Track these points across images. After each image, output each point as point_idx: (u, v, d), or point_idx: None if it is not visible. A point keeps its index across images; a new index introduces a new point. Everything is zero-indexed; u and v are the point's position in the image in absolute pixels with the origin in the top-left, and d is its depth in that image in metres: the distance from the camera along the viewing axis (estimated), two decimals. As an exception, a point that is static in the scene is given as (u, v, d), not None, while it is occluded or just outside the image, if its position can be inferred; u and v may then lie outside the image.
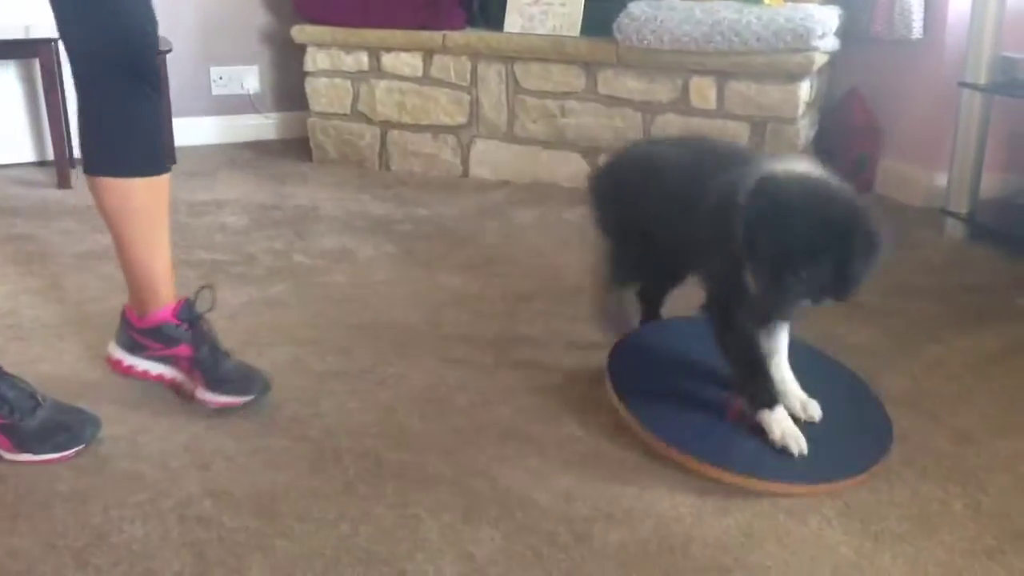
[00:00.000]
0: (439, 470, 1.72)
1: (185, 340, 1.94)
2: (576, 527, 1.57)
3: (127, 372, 1.97)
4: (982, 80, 2.75)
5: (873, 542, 1.55)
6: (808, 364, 1.90)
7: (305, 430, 1.84)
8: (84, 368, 2.07)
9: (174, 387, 1.96)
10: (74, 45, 1.77)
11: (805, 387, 1.84)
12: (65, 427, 1.74)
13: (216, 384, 1.91)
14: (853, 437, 1.80)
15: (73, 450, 1.72)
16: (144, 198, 1.86)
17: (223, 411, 1.88)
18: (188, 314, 1.95)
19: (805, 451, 1.71)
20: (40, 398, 1.77)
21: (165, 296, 1.93)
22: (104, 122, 1.81)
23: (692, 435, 1.77)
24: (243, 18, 3.87)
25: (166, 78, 3.53)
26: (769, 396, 1.74)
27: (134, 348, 1.97)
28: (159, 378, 1.97)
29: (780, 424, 1.73)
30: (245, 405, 1.90)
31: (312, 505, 1.61)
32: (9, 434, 1.72)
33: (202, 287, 1.96)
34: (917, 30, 3.04)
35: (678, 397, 1.89)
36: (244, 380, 1.93)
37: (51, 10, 1.75)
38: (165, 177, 1.89)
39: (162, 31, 3.61)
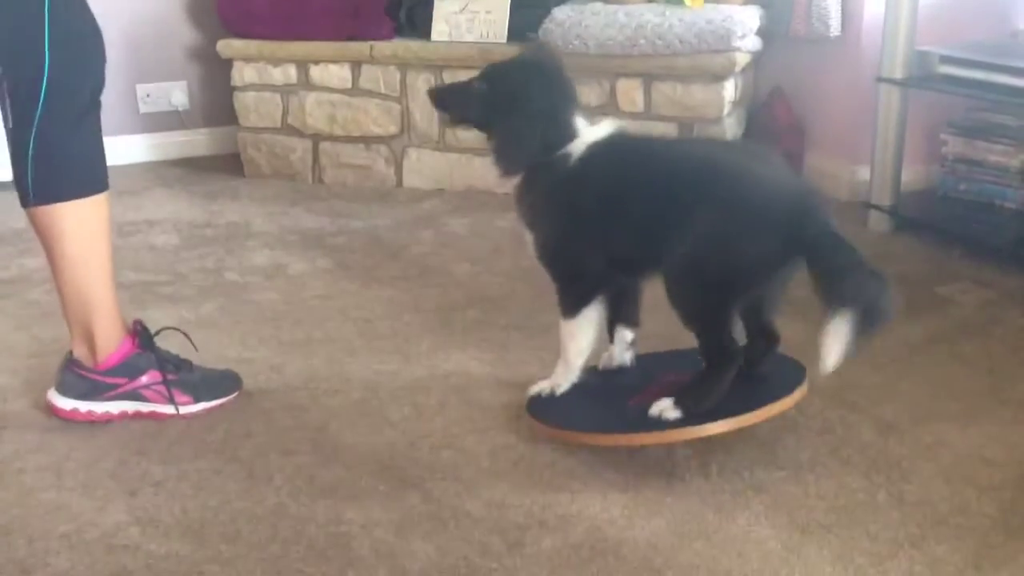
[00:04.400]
0: (372, 485, 1.72)
1: (152, 366, 1.93)
2: (509, 535, 1.58)
3: (87, 419, 1.91)
4: (898, 75, 2.81)
5: (800, 535, 1.58)
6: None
7: (236, 451, 1.82)
8: (6, 397, 2.02)
9: (142, 418, 1.93)
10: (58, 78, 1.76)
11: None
12: None
13: (197, 393, 1.95)
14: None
15: None
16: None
17: (153, 432, 1.86)
18: (147, 340, 1.94)
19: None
20: None
21: (121, 330, 1.91)
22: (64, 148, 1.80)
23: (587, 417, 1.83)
24: (168, 34, 3.81)
25: (90, 97, 3.48)
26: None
27: (93, 392, 1.91)
28: (122, 416, 1.92)
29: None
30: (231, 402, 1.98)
31: (243, 528, 1.60)
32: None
33: (135, 321, 1.98)
34: (835, 28, 3.10)
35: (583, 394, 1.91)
36: (220, 381, 1.99)
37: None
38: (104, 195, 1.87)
39: (84, 50, 3.59)
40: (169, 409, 1.93)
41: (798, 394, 1.81)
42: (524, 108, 1.77)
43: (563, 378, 1.90)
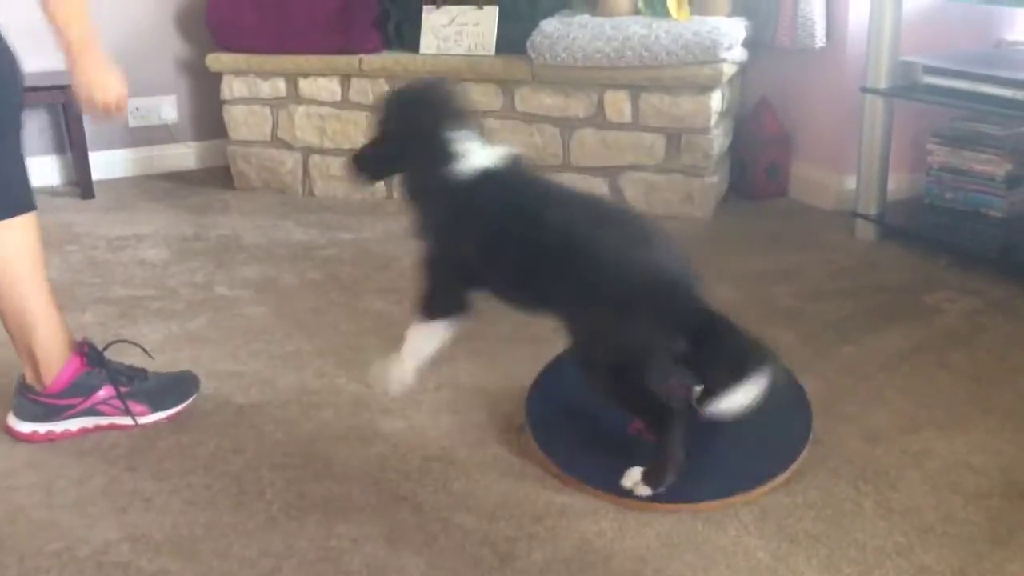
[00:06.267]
0: (363, 499, 1.73)
1: (104, 382, 1.92)
2: (499, 548, 1.59)
3: (47, 439, 1.91)
4: (883, 85, 2.84)
5: (789, 545, 1.59)
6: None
7: (226, 466, 1.83)
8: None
9: (102, 430, 1.94)
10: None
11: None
12: None
13: (152, 402, 1.96)
14: (769, 440, 1.83)
15: None
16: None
17: (143, 448, 1.87)
18: (96, 357, 1.93)
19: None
20: None
21: (64, 351, 1.91)
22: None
23: (604, 468, 1.75)
24: (157, 48, 3.82)
25: (79, 111, 3.48)
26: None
27: (49, 415, 1.91)
28: (82, 432, 1.93)
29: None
30: (190, 405, 2.02)
31: (234, 543, 1.60)
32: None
33: (82, 341, 1.97)
34: (820, 39, 3.12)
35: (590, 428, 1.88)
36: (176, 386, 2.01)
37: None
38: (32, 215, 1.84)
39: (73, 64, 3.59)
40: (127, 420, 1.94)
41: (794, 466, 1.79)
42: (414, 140, 1.83)
43: (395, 376, 1.98)
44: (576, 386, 1.79)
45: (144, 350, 2.10)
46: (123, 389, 1.94)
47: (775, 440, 1.83)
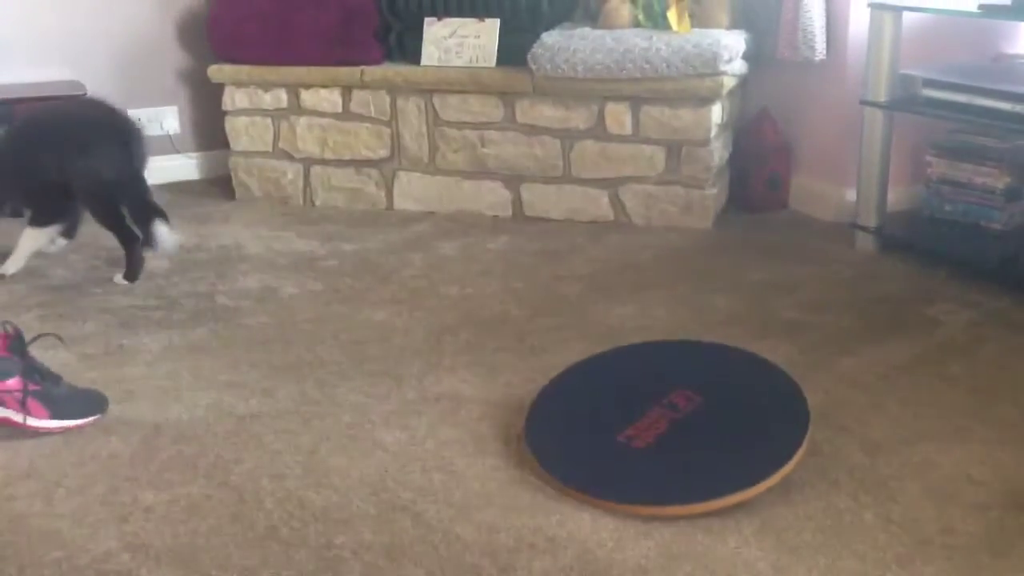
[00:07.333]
0: (363, 509, 1.73)
1: (16, 373, 1.92)
2: (499, 559, 1.59)
3: None
4: (882, 98, 2.85)
5: (789, 556, 1.59)
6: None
7: (226, 476, 1.83)
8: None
9: None
10: None
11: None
12: None
13: (56, 409, 1.93)
14: (763, 439, 1.84)
15: None
16: None
17: (144, 458, 1.87)
18: (19, 345, 1.93)
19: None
20: None
21: None
22: None
23: (599, 476, 1.78)
24: (159, 58, 3.84)
25: (81, 122, 3.49)
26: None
27: None
28: None
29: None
30: (91, 424, 1.97)
31: (233, 553, 1.60)
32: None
33: (5, 322, 1.97)
34: (820, 52, 3.14)
35: (580, 438, 1.91)
36: (84, 400, 1.98)
37: None
38: None
39: (75, 74, 3.61)
40: (19, 417, 1.91)
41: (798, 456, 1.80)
42: None
43: (13, 266, 2.83)
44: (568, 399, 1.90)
45: (60, 339, 2.10)
46: (32, 387, 1.92)
47: (769, 444, 1.82)
